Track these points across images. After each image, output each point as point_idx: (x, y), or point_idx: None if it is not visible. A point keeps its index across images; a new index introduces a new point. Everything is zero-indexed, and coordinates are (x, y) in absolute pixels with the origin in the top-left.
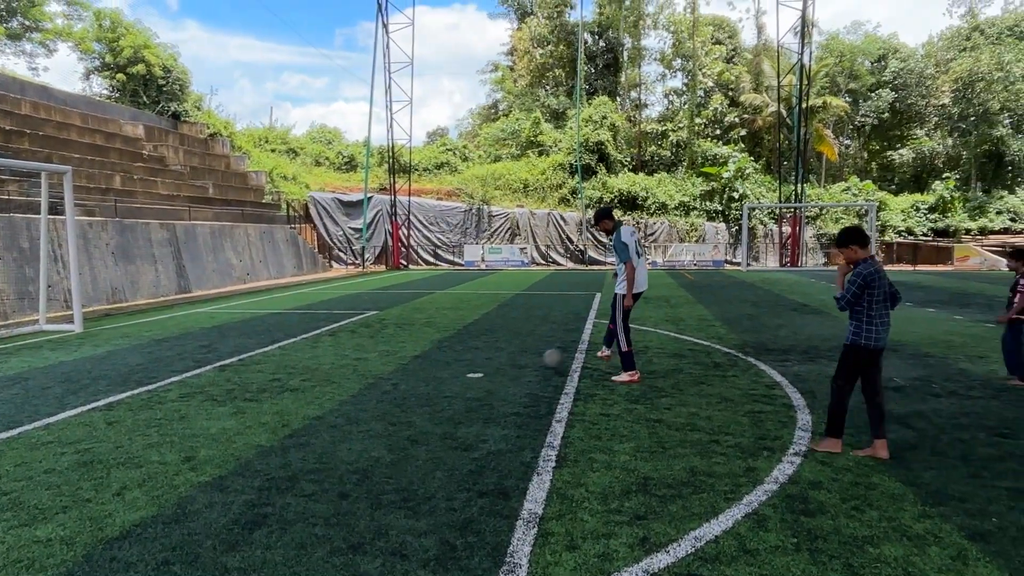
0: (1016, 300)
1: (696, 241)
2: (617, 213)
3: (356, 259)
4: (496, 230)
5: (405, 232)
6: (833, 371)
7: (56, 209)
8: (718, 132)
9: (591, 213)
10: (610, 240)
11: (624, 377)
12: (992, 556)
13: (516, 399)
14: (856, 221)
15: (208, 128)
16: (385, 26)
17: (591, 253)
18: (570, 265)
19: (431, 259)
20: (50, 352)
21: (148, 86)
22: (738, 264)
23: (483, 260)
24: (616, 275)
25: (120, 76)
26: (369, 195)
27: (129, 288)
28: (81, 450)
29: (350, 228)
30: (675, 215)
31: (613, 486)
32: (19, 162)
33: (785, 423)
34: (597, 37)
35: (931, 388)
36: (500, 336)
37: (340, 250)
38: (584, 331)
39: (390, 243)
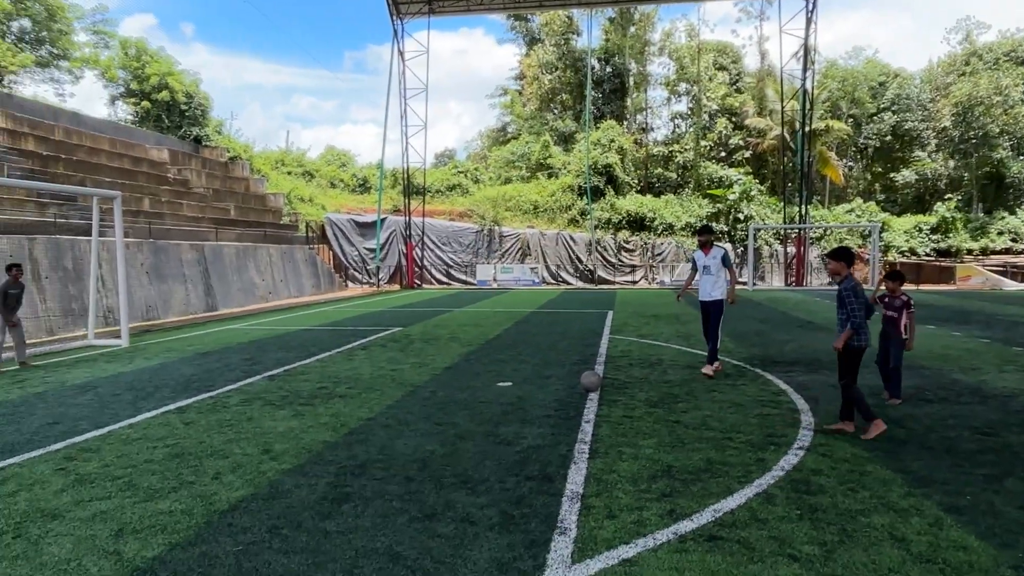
0: (908, 322)
1: None
2: (624, 234)
3: (371, 278)
4: (507, 250)
5: (419, 252)
6: (834, 379)
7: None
8: (723, 155)
9: (600, 233)
10: (705, 253)
11: (709, 370)
12: (964, 524)
13: (546, 404)
14: (860, 242)
15: (228, 152)
16: (401, 54)
17: (600, 273)
18: (580, 284)
19: (443, 278)
20: (106, 364)
21: (171, 111)
22: (744, 284)
23: (495, 279)
24: (704, 286)
25: (145, 103)
26: (383, 216)
27: (162, 306)
28: (169, 444)
29: (365, 248)
30: (682, 235)
31: (641, 472)
32: (74, 187)
33: (791, 424)
34: (604, 63)
35: (924, 395)
36: (523, 350)
37: (355, 270)
38: (601, 345)
39: (404, 263)
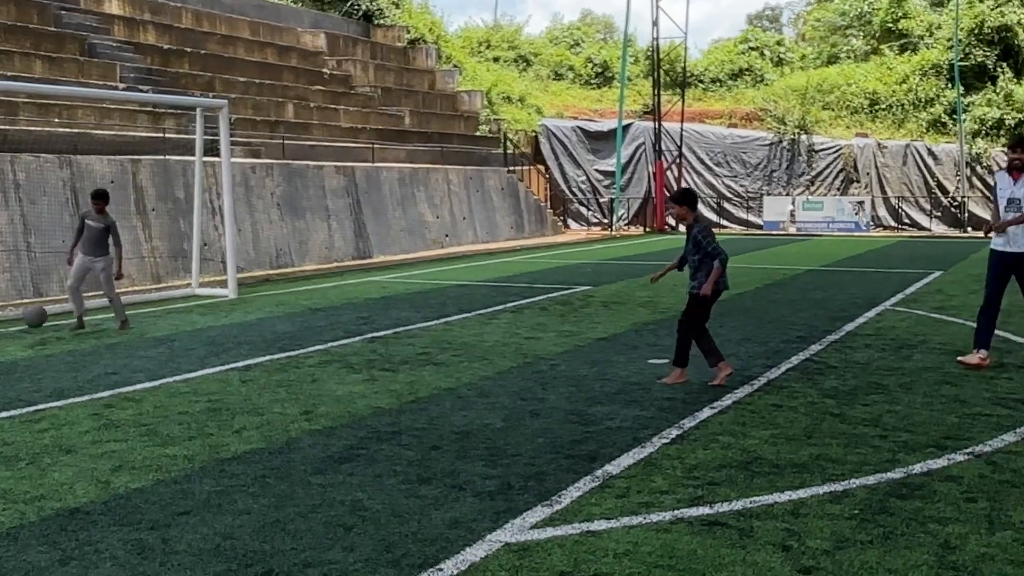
0: None
1: None
2: None
3: (604, 217)
4: (820, 173)
5: (673, 176)
6: None
7: (214, 150)
8: None
9: (981, 144)
10: (1016, 179)
11: (974, 359)
12: None
13: (686, 387)
14: None
15: (408, 32)
16: None
17: (975, 210)
18: (939, 229)
19: (713, 217)
20: (199, 317)
21: None
22: None
23: (792, 220)
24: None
25: None
26: (627, 122)
27: (296, 250)
28: (213, 400)
29: (597, 171)
30: None
31: (712, 461)
32: (167, 97)
33: (1000, 429)
34: None
35: None
36: (731, 321)
37: (582, 203)
38: (855, 321)
39: (653, 194)
